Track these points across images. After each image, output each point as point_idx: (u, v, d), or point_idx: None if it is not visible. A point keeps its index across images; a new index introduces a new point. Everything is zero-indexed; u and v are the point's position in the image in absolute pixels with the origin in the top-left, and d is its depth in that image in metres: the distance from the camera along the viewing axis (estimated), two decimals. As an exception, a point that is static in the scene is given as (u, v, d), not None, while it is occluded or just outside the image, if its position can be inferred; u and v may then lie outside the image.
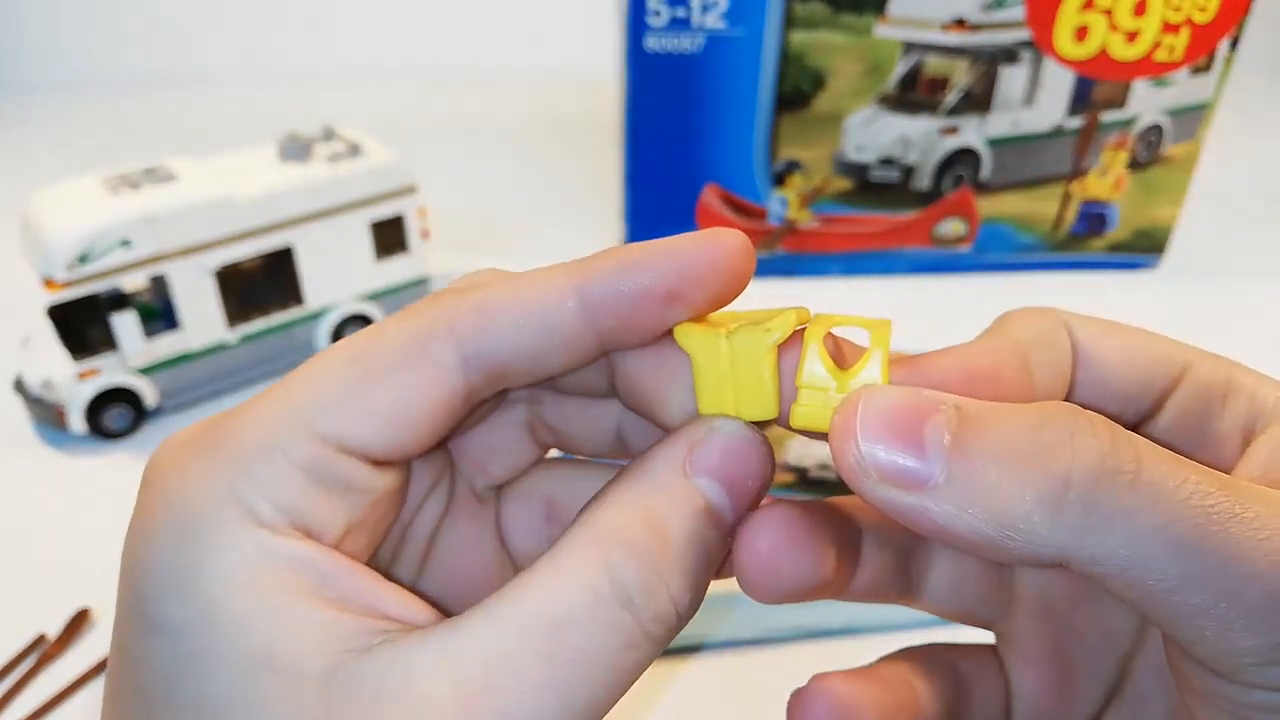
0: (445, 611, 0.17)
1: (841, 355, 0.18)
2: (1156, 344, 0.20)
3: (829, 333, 0.18)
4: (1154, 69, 0.62)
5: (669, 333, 0.18)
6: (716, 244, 0.17)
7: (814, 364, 0.18)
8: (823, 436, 0.17)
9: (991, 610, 0.22)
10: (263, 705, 0.15)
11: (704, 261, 0.17)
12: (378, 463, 0.17)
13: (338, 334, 0.59)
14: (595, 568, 0.15)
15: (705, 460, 0.17)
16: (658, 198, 0.65)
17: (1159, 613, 0.14)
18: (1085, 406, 0.19)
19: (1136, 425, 0.20)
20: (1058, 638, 0.22)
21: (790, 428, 0.18)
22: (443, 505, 0.22)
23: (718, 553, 0.17)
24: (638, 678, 0.16)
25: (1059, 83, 0.62)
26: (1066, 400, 0.19)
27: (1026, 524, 0.14)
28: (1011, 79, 0.62)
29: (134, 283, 0.50)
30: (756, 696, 0.40)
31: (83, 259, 0.48)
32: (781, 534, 0.18)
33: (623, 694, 0.16)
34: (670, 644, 0.17)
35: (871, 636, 0.42)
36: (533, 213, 0.79)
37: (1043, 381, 0.19)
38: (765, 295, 0.67)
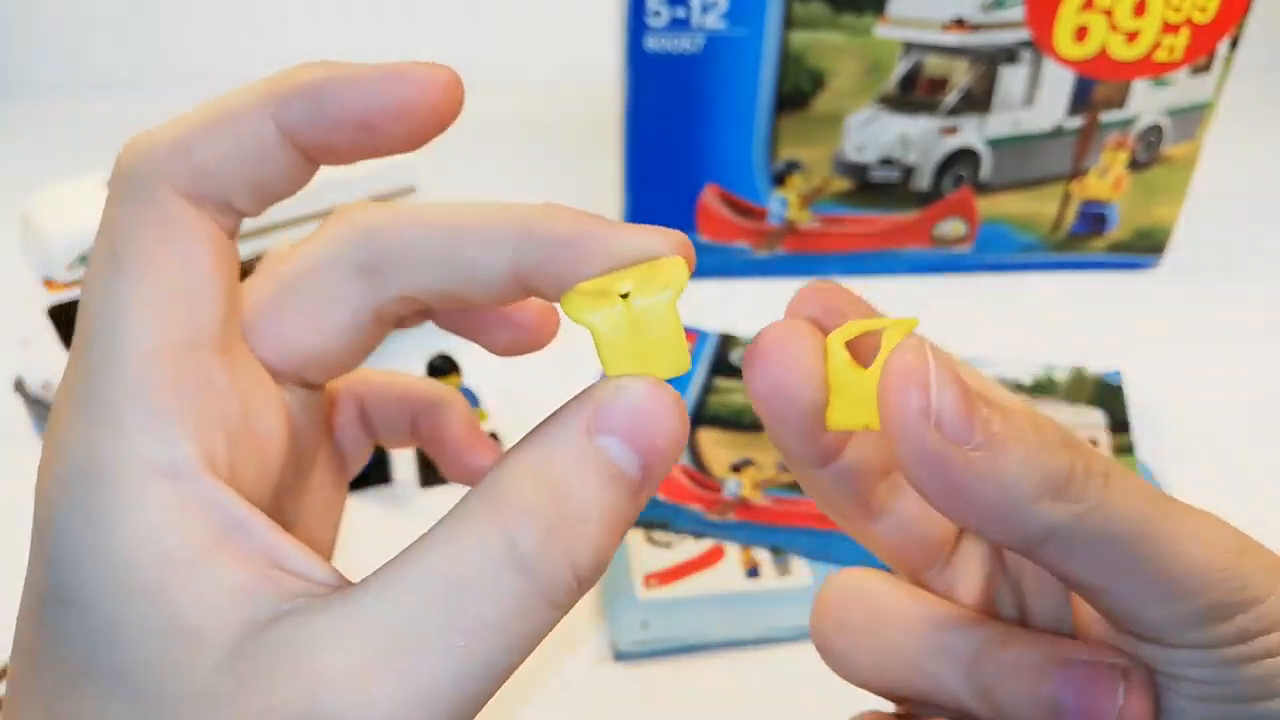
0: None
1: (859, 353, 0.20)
2: None
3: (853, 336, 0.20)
4: (1154, 69, 0.62)
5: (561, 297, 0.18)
6: (414, 78, 0.17)
7: (841, 368, 0.19)
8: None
9: (930, 556, 0.23)
10: (175, 677, 0.15)
11: (398, 96, 0.17)
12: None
13: (338, 334, 0.59)
14: (491, 532, 0.15)
15: (610, 419, 0.16)
16: (658, 198, 0.65)
17: (1108, 584, 0.18)
18: None
19: None
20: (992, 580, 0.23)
21: (828, 429, 0.19)
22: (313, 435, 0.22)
23: (626, 515, 0.16)
24: (539, 643, 0.16)
25: (1059, 83, 0.62)
26: None
27: (1036, 503, 0.17)
28: (1011, 79, 0.62)
29: (134, 283, 0.50)
30: (757, 696, 0.40)
31: (83, 259, 0.48)
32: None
33: (523, 659, 0.16)
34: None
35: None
36: (533, 213, 0.79)
37: None
38: (766, 295, 0.67)
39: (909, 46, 0.60)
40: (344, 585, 0.16)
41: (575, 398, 0.17)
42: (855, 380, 0.19)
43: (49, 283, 0.48)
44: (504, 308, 0.21)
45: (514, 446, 0.17)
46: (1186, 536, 0.17)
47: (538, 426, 0.17)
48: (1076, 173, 0.66)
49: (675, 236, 0.18)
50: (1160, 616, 0.18)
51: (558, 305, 0.18)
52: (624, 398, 0.16)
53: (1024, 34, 0.60)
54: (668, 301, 0.17)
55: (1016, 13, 0.59)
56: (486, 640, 0.15)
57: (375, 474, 0.50)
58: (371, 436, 0.25)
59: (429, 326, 0.22)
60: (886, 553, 0.23)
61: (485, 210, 0.19)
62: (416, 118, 0.17)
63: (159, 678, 0.15)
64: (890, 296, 0.67)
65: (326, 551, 0.24)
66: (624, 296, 0.17)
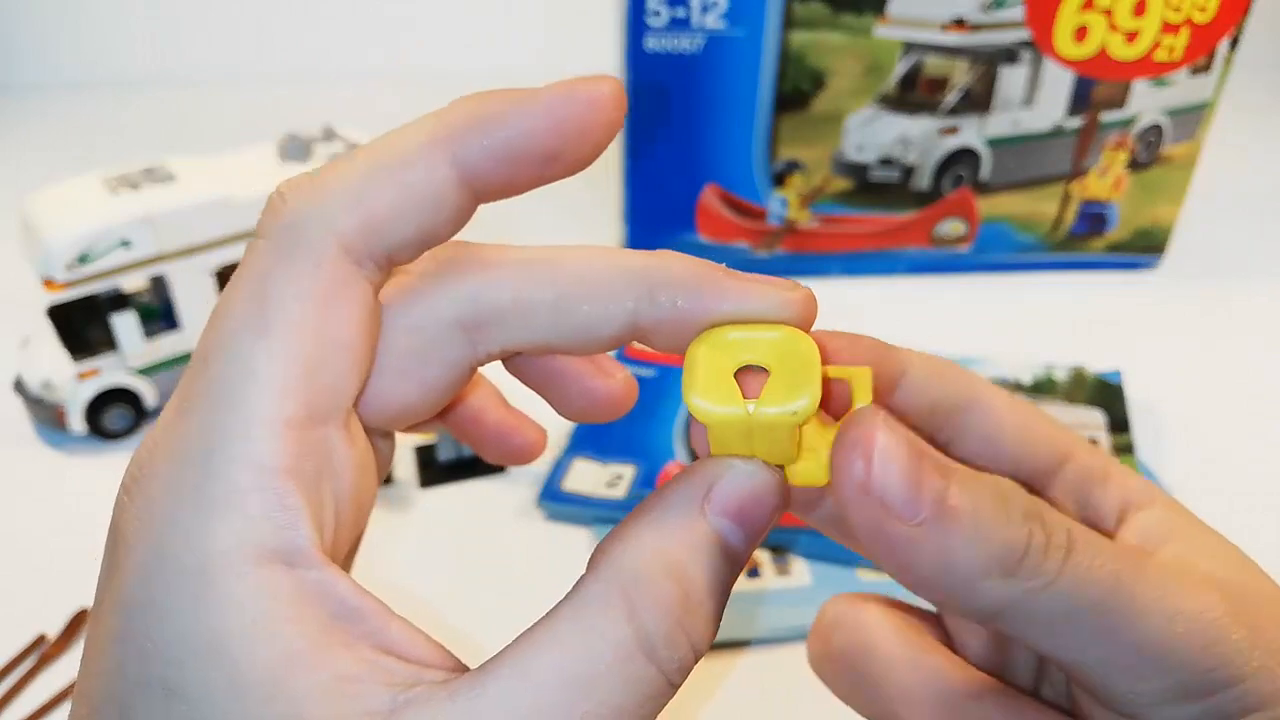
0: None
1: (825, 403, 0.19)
2: (1047, 425, 0.22)
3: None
4: (1154, 69, 0.62)
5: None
6: (587, 96, 0.16)
7: (813, 424, 0.18)
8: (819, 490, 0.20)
9: None
10: None
11: (577, 117, 0.16)
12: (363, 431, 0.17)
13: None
14: (620, 621, 0.15)
15: (723, 501, 0.17)
16: (658, 198, 0.65)
17: (1073, 659, 0.17)
18: (980, 467, 0.21)
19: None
20: None
21: (790, 483, 0.18)
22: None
23: (731, 588, 0.17)
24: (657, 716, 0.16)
25: (1059, 83, 0.62)
26: (963, 459, 0.22)
27: (984, 579, 0.16)
28: (1011, 79, 0.62)
29: (134, 283, 0.50)
30: (757, 696, 0.40)
31: (82, 259, 0.48)
32: None
33: None
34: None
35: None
36: (532, 213, 0.79)
37: (910, 405, 0.21)
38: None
39: (909, 46, 0.60)
40: (456, 666, 0.16)
41: (687, 473, 0.17)
42: (821, 437, 0.18)
43: (49, 283, 0.48)
44: (588, 381, 0.21)
45: (630, 521, 0.17)
46: (1156, 610, 0.17)
47: (653, 501, 0.17)
48: (1076, 173, 0.66)
49: (800, 292, 0.18)
50: (1128, 692, 0.17)
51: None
52: (734, 479, 0.17)
53: (1024, 34, 0.60)
54: (794, 421, 0.17)
55: (1016, 13, 0.59)
56: None
57: (375, 474, 0.50)
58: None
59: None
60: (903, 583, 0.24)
61: (600, 263, 0.18)
62: (596, 138, 0.17)
63: None
64: (890, 296, 0.68)
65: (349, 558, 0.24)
66: (749, 390, 0.17)
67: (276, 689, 0.14)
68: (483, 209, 0.18)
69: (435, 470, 0.50)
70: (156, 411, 0.54)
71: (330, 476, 0.16)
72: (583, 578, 0.16)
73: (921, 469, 0.16)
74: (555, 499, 0.47)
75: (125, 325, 0.51)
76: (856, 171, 0.65)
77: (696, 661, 0.16)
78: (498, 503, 0.48)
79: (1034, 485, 0.22)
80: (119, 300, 0.50)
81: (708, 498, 0.17)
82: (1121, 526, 0.21)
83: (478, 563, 0.45)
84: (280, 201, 0.16)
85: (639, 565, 0.16)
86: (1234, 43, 0.62)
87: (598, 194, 0.77)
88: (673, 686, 0.16)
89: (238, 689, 0.14)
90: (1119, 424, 0.52)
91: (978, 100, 0.63)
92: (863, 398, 0.18)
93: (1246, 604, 0.17)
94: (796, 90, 0.62)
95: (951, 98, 0.62)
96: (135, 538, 0.15)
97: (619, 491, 0.48)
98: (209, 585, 0.15)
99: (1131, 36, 0.60)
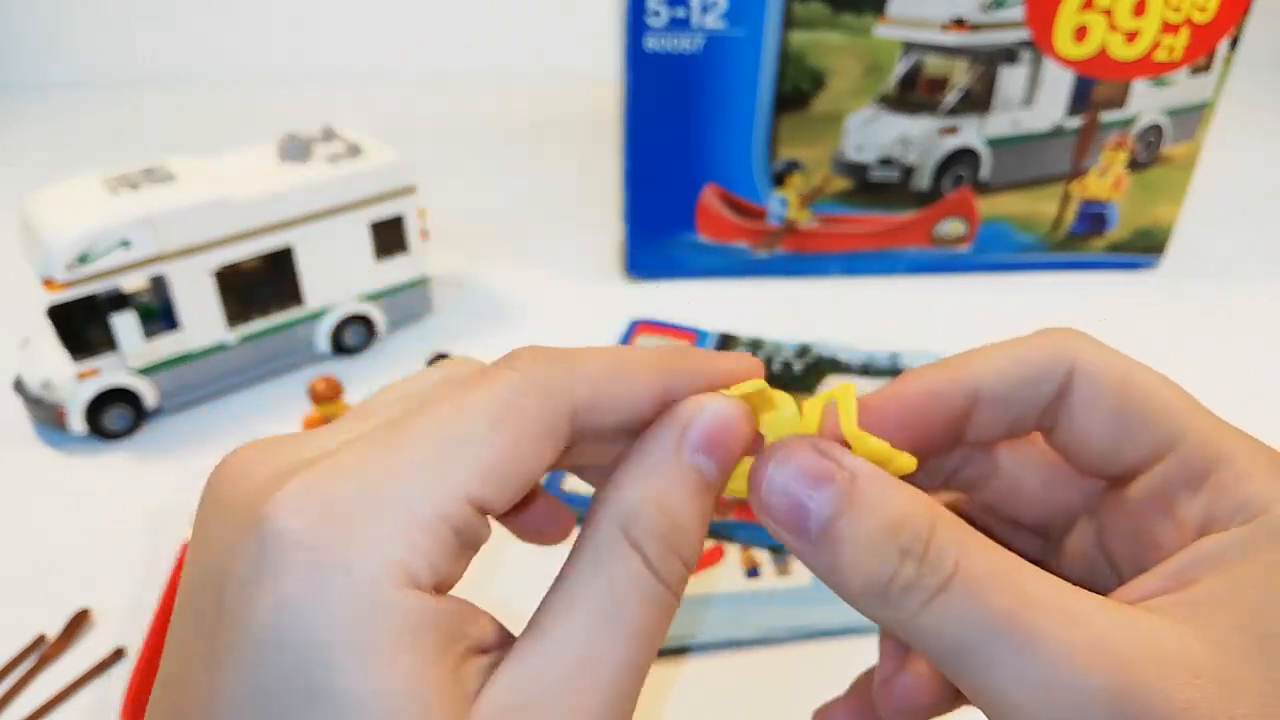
0: None
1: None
2: (1154, 407, 0.22)
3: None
4: (1153, 69, 0.62)
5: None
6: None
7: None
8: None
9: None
10: None
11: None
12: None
13: (337, 334, 0.59)
14: (628, 553, 0.19)
15: (696, 439, 0.20)
16: (658, 198, 0.65)
17: (962, 688, 0.18)
18: (1056, 451, 0.24)
19: (1112, 484, 0.23)
20: None
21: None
22: None
23: (710, 510, 0.20)
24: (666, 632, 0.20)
25: (1058, 83, 0.62)
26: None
27: (859, 601, 0.19)
28: (1011, 79, 0.62)
29: (134, 283, 0.51)
30: (757, 696, 0.40)
31: (82, 259, 0.48)
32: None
33: (658, 648, 0.19)
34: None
35: (870, 637, 0.42)
36: (532, 213, 0.79)
37: (994, 419, 0.23)
38: (766, 295, 0.67)
39: (909, 46, 0.60)
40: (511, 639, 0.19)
41: (664, 418, 0.21)
42: None
43: (49, 283, 0.48)
44: None
45: (621, 469, 0.20)
46: (1024, 669, 0.17)
47: (638, 447, 0.20)
48: (1076, 173, 0.66)
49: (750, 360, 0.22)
50: None
51: None
52: (705, 419, 0.20)
53: (1024, 34, 0.60)
54: (753, 389, 0.21)
55: (1016, 13, 0.59)
56: (647, 641, 0.19)
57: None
58: None
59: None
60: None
61: (631, 356, 0.21)
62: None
63: None
64: (890, 296, 0.68)
65: None
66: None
67: (415, 693, 0.16)
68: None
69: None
70: (156, 411, 0.54)
71: (472, 546, 0.19)
72: (586, 526, 0.20)
73: (809, 497, 0.19)
74: (555, 499, 0.47)
75: (125, 325, 0.51)
76: (856, 171, 0.65)
77: (689, 575, 0.20)
78: (498, 503, 0.48)
79: (1124, 481, 0.22)
80: (119, 300, 0.50)
81: (683, 438, 0.20)
82: (1188, 547, 0.20)
83: (477, 562, 0.45)
84: (549, 367, 0.20)
85: (632, 504, 0.19)
86: (1234, 43, 0.62)
87: (598, 194, 0.77)
88: (677, 598, 0.19)
89: (384, 698, 0.16)
90: (1119, 424, 0.52)
91: (978, 100, 0.63)
92: (845, 417, 0.21)
93: (1202, 689, 0.16)
94: (796, 90, 0.62)
95: (951, 98, 0.62)
96: (299, 534, 0.17)
97: (619, 491, 0.47)
98: (367, 596, 0.17)
99: (1131, 36, 0.60)
